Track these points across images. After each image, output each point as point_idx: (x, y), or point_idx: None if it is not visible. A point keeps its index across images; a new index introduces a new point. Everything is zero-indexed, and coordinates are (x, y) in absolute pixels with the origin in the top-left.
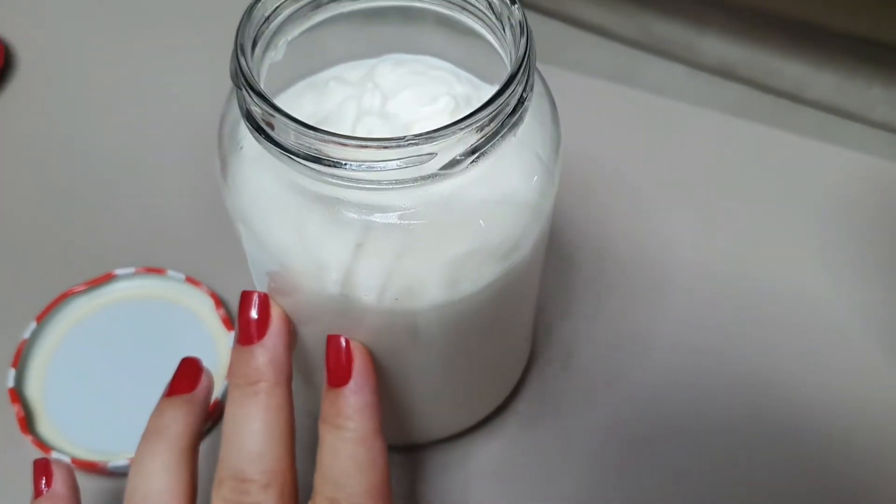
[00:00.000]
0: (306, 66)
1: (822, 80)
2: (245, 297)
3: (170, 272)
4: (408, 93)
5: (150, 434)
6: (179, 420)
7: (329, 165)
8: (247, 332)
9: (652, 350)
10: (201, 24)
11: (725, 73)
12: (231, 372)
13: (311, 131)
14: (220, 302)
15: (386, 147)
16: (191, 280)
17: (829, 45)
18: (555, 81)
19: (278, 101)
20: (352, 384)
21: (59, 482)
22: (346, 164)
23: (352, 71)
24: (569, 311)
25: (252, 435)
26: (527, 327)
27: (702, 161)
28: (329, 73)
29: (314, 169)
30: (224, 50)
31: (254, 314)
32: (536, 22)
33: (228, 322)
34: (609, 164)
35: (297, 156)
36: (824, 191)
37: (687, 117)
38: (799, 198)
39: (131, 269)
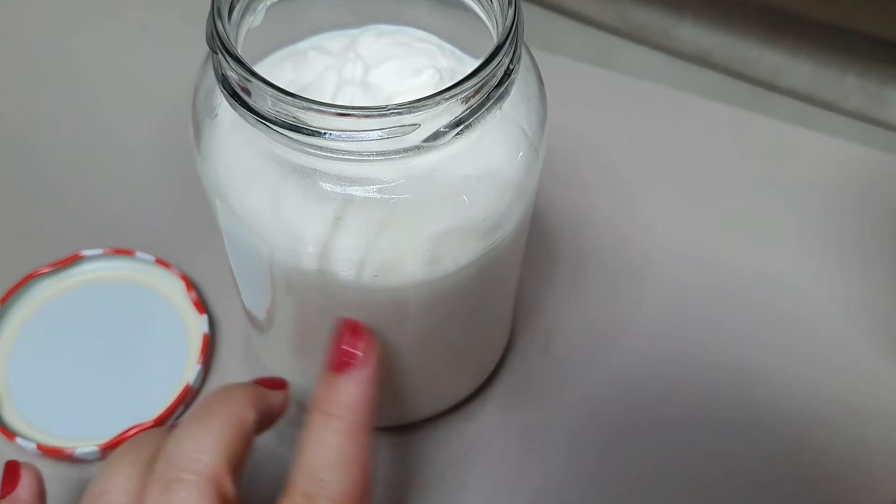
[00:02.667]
0: (286, 35)
1: (797, 68)
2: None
3: (139, 254)
4: (391, 64)
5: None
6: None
7: (307, 134)
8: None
9: (632, 334)
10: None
11: (701, 60)
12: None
13: (289, 97)
14: (191, 284)
15: (367, 116)
16: (161, 262)
17: (804, 34)
18: (539, 62)
19: (257, 69)
20: (353, 373)
21: (24, 487)
22: (325, 133)
23: (333, 41)
24: (549, 294)
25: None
26: (507, 308)
27: (684, 146)
28: (309, 43)
29: (292, 138)
30: (196, 21)
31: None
32: None
33: (200, 305)
34: (591, 146)
35: (275, 123)
36: (804, 175)
37: (668, 101)
38: (778, 182)
39: (99, 251)
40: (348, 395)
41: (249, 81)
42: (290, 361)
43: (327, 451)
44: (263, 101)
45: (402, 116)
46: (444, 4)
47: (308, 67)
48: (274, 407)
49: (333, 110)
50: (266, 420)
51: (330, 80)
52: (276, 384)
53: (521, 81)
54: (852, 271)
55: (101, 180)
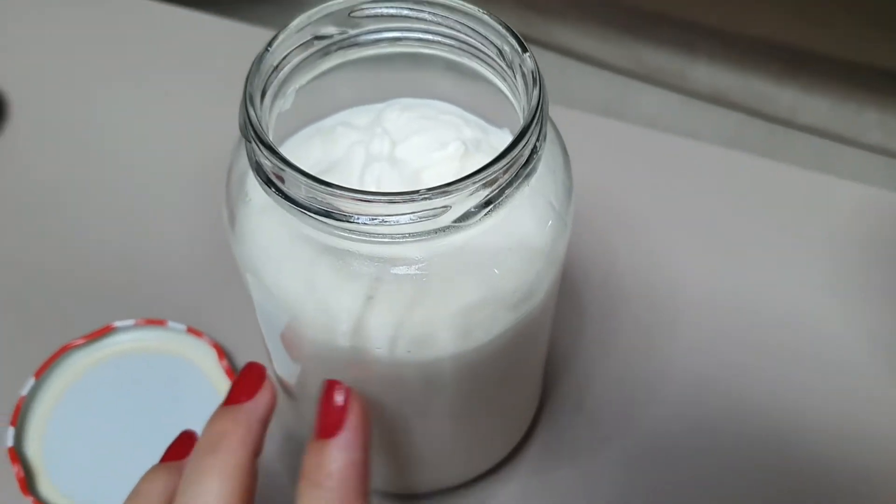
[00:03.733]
0: (314, 111)
1: (815, 105)
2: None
3: (170, 323)
4: (417, 138)
5: (202, 448)
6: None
7: (339, 220)
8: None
9: (666, 387)
10: (206, 67)
11: (718, 100)
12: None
13: (322, 185)
14: (223, 353)
15: (398, 201)
16: (192, 331)
17: (821, 71)
18: (553, 116)
19: (286, 147)
20: (340, 438)
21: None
22: (357, 219)
23: (359, 116)
24: (580, 351)
25: None
26: (539, 371)
27: (705, 195)
28: (337, 119)
29: (324, 222)
30: (229, 94)
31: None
32: None
33: (232, 373)
34: (613, 199)
35: (308, 209)
36: (828, 221)
37: (687, 150)
38: (803, 229)
39: (131, 321)
40: (337, 463)
41: (283, 170)
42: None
43: None
44: (297, 188)
45: (433, 200)
46: (466, 77)
47: (336, 144)
48: (264, 418)
49: (365, 197)
50: (262, 438)
51: (358, 155)
52: (252, 380)
53: (547, 154)
54: (884, 315)
55: (131, 251)
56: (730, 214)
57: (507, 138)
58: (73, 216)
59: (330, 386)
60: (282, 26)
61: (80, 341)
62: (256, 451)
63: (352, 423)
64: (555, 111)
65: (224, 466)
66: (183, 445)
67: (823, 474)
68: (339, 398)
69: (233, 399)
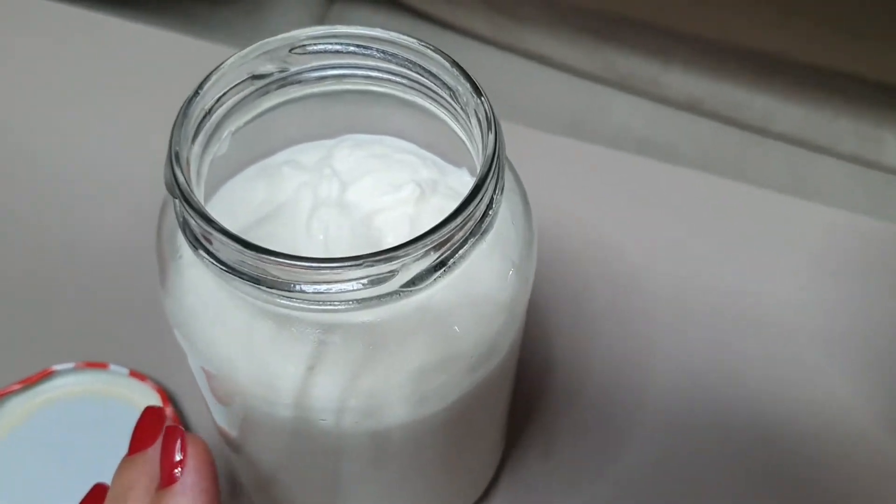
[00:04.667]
0: (257, 150)
1: (789, 112)
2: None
3: (112, 366)
4: (368, 179)
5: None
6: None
7: (276, 287)
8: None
9: (638, 428)
10: (146, 95)
11: (691, 107)
12: None
13: (253, 252)
14: (167, 397)
15: (341, 268)
16: (135, 374)
17: (795, 78)
18: (515, 136)
19: (227, 189)
20: (177, 485)
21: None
22: (295, 287)
23: (307, 153)
24: (545, 393)
25: None
26: (500, 427)
27: (674, 218)
28: (283, 156)
29: (259, 290)
30: (169, 123)
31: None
32: (496, 57)
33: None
34: (577, 223)
35: (240, 275)
36: (801, 243)
37: (651, 170)
38: (776, 248)
39: (70, 364)
40: None
41: (211, 234)
42: (266, 484)
43: None
44: (227, 252)
45: (379, 266)
46: (422, 113)
47: (282, 185)
48: (173, 459)
49: (304, 264)
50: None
51: (305, 198)
52: (152, 425)
53: (506, 203)
54: (857, 325)
55: (70, 290)
56: (701, 236)
57: (466, 179)
58: (9, 253)
59: (166, 433)
60: (217, 63)
61: (17, 386)
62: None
63: (189, 467)
64: (517, 132)
65: None
66: (95, 499)
67: (804, 487)
68: (177, 452)
69: (134, 448)
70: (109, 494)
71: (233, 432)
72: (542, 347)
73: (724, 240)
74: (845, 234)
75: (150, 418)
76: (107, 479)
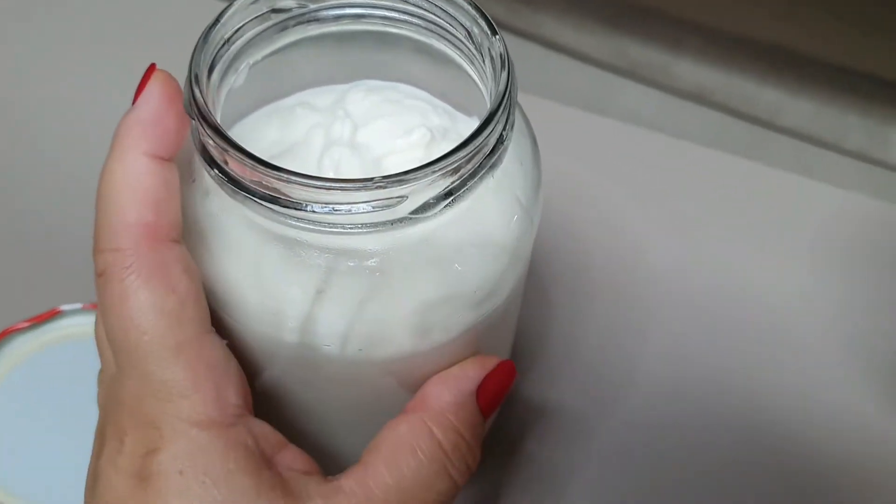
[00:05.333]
0: (271, 89)
1: (797, 107)
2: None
3: None
4: (380, 122)
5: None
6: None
7: (288, 207)
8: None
9: (632, 391)
10: (159, 41)
11: (700, 98)
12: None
13: (269, 169)
14: None
15: (352, 189)
16: None
17: (805, 73)
18: (529, 108)
19: (240, 128)
20: (134, 105)
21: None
22: (307, 206)
23: (321, 96)
24: (544, 351)
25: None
26: None
27: (680, 192)
28: (296, 98)
29: (272, 209)
30: (181, 69)
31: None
32: (509, 42)
33: None
34: (586, 194)
35: (254, 195)
36: (806, 223)
37: (662, 147)
38: (781, 229)
39: (78, 305)
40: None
41: (227, 151)
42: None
43: None
44: (242, 171)
45: (390, 189)
46: (435, 61)
47: (295, 125)
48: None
49: (316, 183)
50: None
51: (317, 139)
52: (143, 80)
53: (515, 144)
54: (863, 316)
55: (78, 232)
56: (706, 214)
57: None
58: (20, 196)
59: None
60: None
61: (24, 324)
62: (150, 148)
63: (147, 89)
64: (529, 101)
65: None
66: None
67: (799, 474)
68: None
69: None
70: None
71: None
72: (543, 304)
73: (732, 217)
74: (855, 218)
75: (146, 74)
76: None
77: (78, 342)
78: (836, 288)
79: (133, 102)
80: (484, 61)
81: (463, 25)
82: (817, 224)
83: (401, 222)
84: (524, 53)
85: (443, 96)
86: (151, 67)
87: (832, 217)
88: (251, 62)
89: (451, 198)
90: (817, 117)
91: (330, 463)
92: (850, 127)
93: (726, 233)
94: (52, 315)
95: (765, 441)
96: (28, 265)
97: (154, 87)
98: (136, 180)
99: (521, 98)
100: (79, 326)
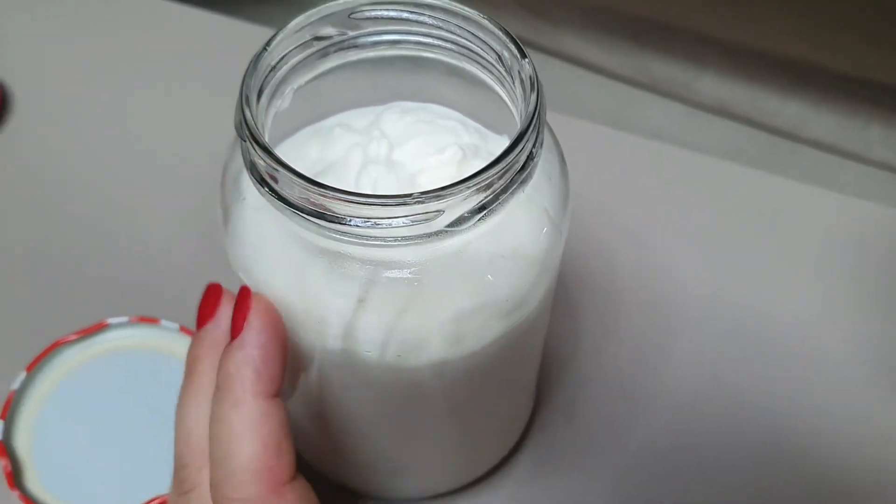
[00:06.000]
0: (312, 112)
1: (820, 119)
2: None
3: (164, 322)
4: (415, 142)
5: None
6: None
7: (332, 221)
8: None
9: (659, 400)
10: (203, 67)
11: (723, 112)
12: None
13: (316, 187)
14: None
15: (392, 204)
16: (185, 330)
17: (827, 85)
18: (553, 124)
19: (283, 148)
20: (236, 339)
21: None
22: (350, 221)
23: (358, 118)
24: (574, 360)
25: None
26: (531, 380)
27: (707, 208)
28: (335, 120)
29: (317, 224)
30: (226, 94)
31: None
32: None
33: None
34: (612, 210)
35: (301, 210)
36: (829, 236)
37: (689, 162)
38: (804, 243)
39: (125, 318)
40: (231, 364)
41: (277, 171)
42: (312, 432)
43: (217, 426)
44: (290, 188)
45: (427, 204)
46: (466, 82)
47: (334, 145)
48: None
49: (358, 199)
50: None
51: (355, 157)
52: (210, 300)
53: (544, 161)
54: (883, 328)
55: (126, 247)
56: (730, 226)
57: (506, 145)
58: (70, 212)
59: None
60: (281, 26)
61: (73, 337)
62: (264, 390)
63: (249, 322)
64: (556, 119)
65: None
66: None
67: (820, 482)
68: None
69: (200, 322)
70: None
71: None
72: (572, 315)
73: (757, 230)
74: (881, 228)
75: (210, 292)
76: (152, 427)
77: (124, 354)
78: (865, 299)
79: (233, 329)
80: (514, 83)
81: (493, 49)
82: (838, 233)
83: (437, 235)
84: (548, 70)
85: (473, 116)
86: (245, 292)
87: (857, 228)
88: (295, 87)
89: (485, 212)
90: (840, 129)
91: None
92: (873, 138)
93: (751, 245)
94: (100, 328)
95: (788, 452)
96: (76, 279)
97: (257, 321)
98: (257, 427)
99: (547, 115)
100: (125, 339)
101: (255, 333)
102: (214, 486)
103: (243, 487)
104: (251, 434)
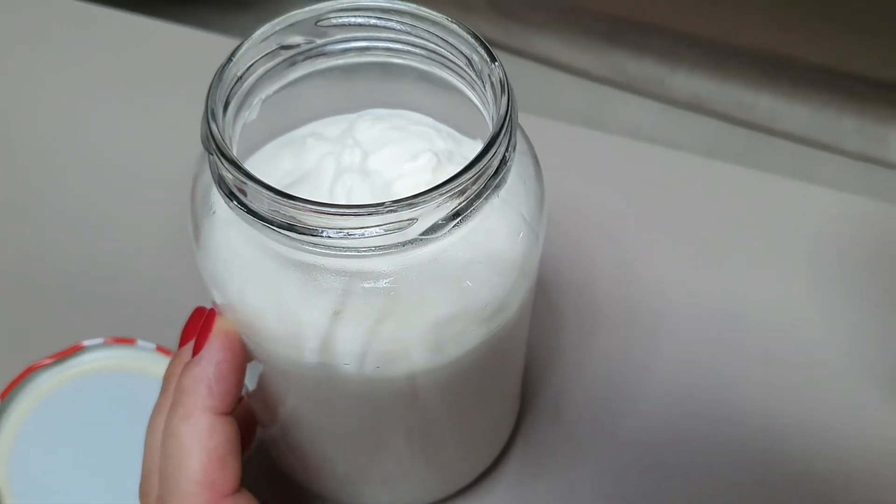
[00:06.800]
0: (283, 122)
1: (794, 112)
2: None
3: (140, 342)
4: (389, 149)
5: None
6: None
7: (304, 233)
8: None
9: (644, 398)
10: (173, 81)
11: (698, 108)
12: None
13: (285, 199)
14: None
15: (364, 214)
16: (162, 349)
17: (800, 78)
18: (527, 126)
19: (255, 159)
20: (196, 357)
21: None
22: (322, 232)
23: (330, 126)
24: (557, 362)
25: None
26: (515, 384)
27: (683, 204)
28: (306, 129)
29: (289, 236)
30: (196, 107)
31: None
32: (507, 62)
33: None
34: (589, 209)
35: (272, 223)
36: (806, 229)
37: (664, 159)
38: (780, 236)
39: (99, 340)
40: (185, 378)
41: (245, 184)
42: (290, 444)
43: (167, 439)
44: (259, 201)
45: (400, 213)
46: (438, 87)
47: (306, 155)
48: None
49: (330, 210)
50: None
51: (328, 167)
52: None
53: (518, 164)
54: (864, 320)
55: (100, 268)
56: (708, 223)
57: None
58: (40, 232)
59: (194, 313)
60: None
61: (48, 361)
62: (215, 405)
63: (210, 342)
64: (530, 121)
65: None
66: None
67: (807, 481)
68: (192, 317)
69: (182, 342)
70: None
71: (260, 403)
72: (553, 318)
73: (734, 224)
74: (856, 218)
75: (196, 315)
76: (131, 449)
77: (100, 376)
78: (840, 290)
79: (195, 348)
80: (485, 87)
81: (463, 54)
82: (819, 227)
83: (412, 244)
84: (520, 72)
85: (446, 121)
86: (211, 314)
87: (833, 219)
88: (263, 97)
89: (459, 218)
90: (814, 121)
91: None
92: (847, 129)
93: (729, 240)
94: (75, 350)
95: (773, 450)
96: (50, 302)
97: (217, 343)
98: (204, 440)
99: (520, 116)
100: (101, 361)
101: (212, 352)
102: (160, 498)
103: (184, 498)
104: (199, 447)
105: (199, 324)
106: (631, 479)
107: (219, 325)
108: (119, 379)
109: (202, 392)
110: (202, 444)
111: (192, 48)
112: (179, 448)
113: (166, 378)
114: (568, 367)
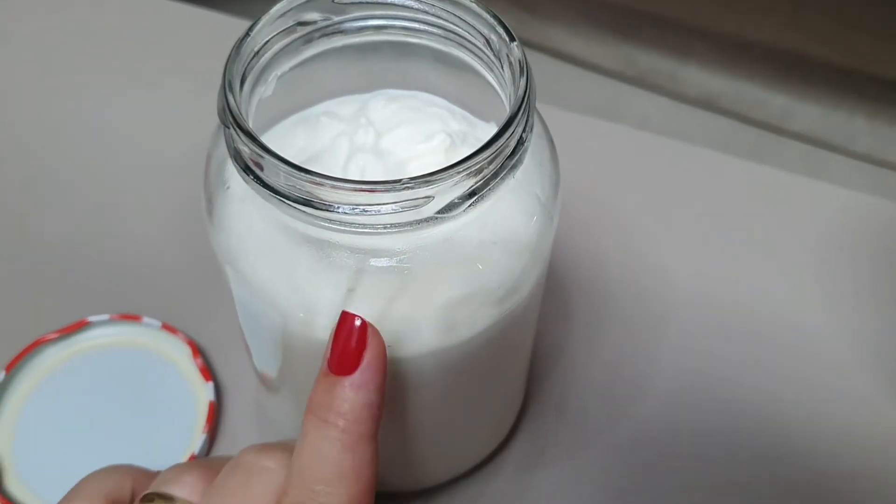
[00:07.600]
0: (297, 100)
1: (805, 111)
2: (344, 322)
3: (145, 319)
4: (402, 129)
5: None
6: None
7: (320, 209)
8: (339, 361)
9: (651, 387)
10: (184, 57)
11: (709, 104)
12: (313, 401)
13: (302, 173)
14: (197, 350)
15: (380, 190)
16: (167, 327)
17: (812, 77)
18: (545, 117)
19: (268, 137)
20: (355, 376)
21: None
22: (338, 208)
23: (344, 106)
24: (563, 351)
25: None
26: (523, 370)
27: (695, 197)
28: (320, 108)
29: (304, 211)
30: (209, 84)
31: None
32: None
33: (206, 371)
34: (602, 200)
35: (287, 198)
36: (815, 224)
37: (677, 152)
38: (790, 230)
39: (105, 316)
40: (349, 403)
41: (262, 157)
42: (300, 425)
43: (322, 465)
44: (276, 175)
45: (416, 190)
46: (454, 68)
47: (320, 133)
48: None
49: (346, 185)
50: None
51: (342, 146)
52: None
53: (534, 146)
54: (871, 317)
55: (107, 245)
56: (717, 216)
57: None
58: (49, 209)
59: (346, 318)
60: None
61: (54, 335)
62: (376, 431)
63: (368, 361)
64: (545, 111)
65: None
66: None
67: (812, 474)
68: (353, 331)
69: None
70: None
71: (271, 373)
72: (563, 304)
73: (741, 220)
74: (865, 218)
75: (345, 322)
76: (137, 427)
77: (105, 352)
78: (848, 288)
79: (343, 362)
80: (503, 67)
81: (481, 33)
82: (828, 225)
83: (427, 222)
84: (535, 65)
85: (460, 103)
86: (363, 327)
87: (842, 218)
88: (279, 73)
89: (475, 197)
90: (825, 120)
91: None
92: (858, 129)
93: (737, 233)
94: (81, 326)
95: (778, 444)
96: (56, 277)
97: (376, 361)
98: (365, 471)
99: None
100: (106, 337)
101: (374, 374)
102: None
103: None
104: (357, 478)
105: (352, 335)
106: (635, 469)
107: (374, 339)
108: (124, 355)
109: (367, 421)
110: (363, 475)
111: (208, 30)
112: (340, 478)
113: (320, 400)
114: (575, 355)
